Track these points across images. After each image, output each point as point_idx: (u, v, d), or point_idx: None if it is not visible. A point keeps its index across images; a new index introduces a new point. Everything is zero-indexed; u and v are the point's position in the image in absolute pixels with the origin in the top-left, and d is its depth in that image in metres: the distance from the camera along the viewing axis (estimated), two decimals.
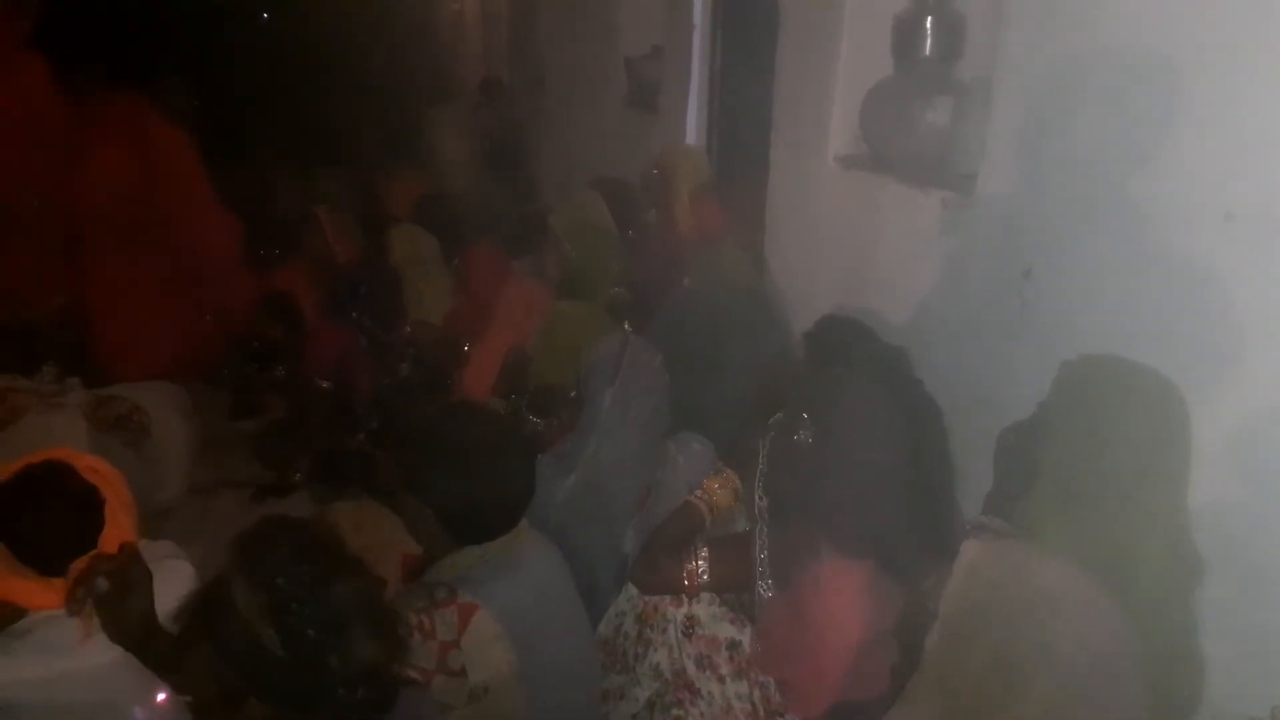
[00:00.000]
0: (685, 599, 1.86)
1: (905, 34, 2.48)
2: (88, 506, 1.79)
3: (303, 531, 1.45)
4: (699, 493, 1.96)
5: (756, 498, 1.81)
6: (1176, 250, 1.68)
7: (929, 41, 2.45)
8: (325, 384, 3.77)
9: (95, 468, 1.84)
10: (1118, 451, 1.53)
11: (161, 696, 1.69)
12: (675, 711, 1.83)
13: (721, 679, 1.80)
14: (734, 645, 1.81)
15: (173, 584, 1.93)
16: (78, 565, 1.74)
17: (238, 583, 1.33)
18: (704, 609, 1.84)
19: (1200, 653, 1.55)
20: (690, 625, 1.83)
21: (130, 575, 1.59)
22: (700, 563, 1.81)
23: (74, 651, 1.72)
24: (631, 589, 1.93)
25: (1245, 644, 1.56)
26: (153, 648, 1.57)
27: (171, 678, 1.56)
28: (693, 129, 4.12)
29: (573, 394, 2.57)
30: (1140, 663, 1.28)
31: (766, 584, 1.73)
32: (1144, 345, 1.67)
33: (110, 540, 1.79)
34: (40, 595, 1.74)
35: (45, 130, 4.08)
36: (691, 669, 1.82)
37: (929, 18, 2.44)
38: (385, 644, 1.42)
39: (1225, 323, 1.60)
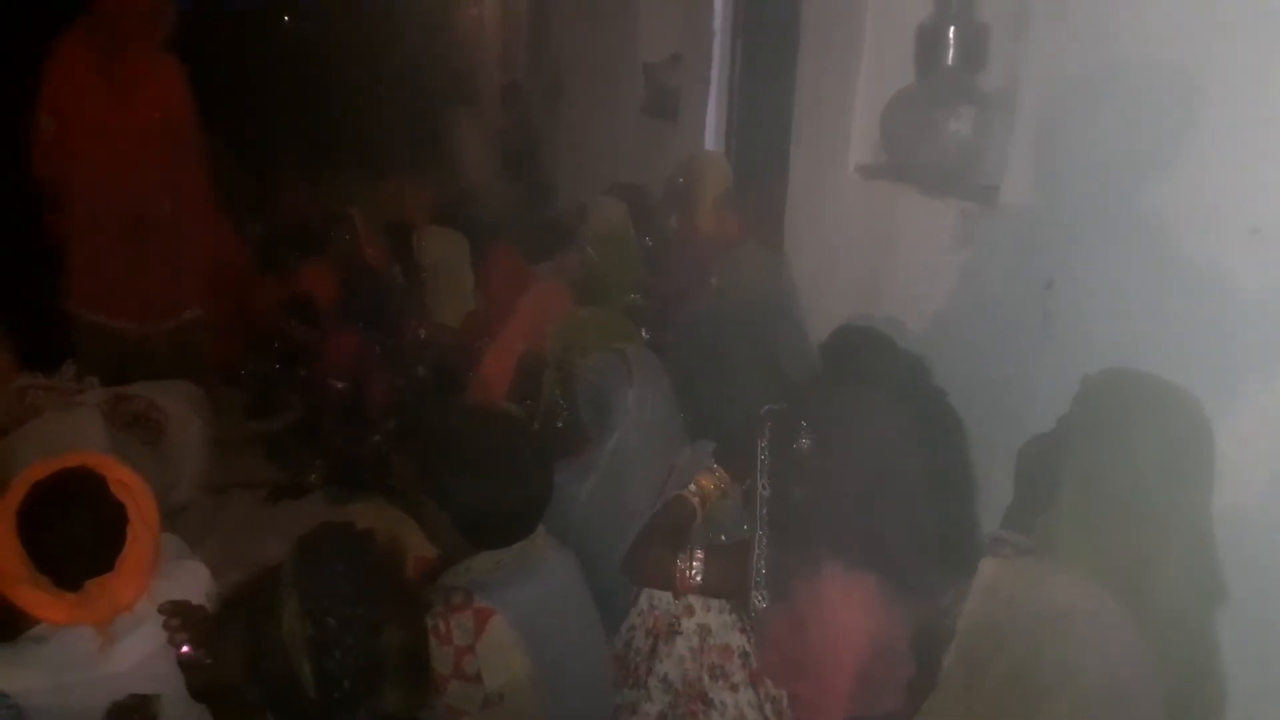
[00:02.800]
0: (695, 608, 1.85)
1: (928, 43, 2.47)
2: (112, 525, 1.77)
3: (365, 555, 1.35)
4: (691, 488, 1.96)
5: (760, 488, 1.79)
6: (1202, 264, 1.66)
7: (951, 51, 2.43)
8: (341, 385, 3.78)
9: (126, 483, 1.81)
10: (1140, 467, 1.51)
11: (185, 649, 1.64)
12: None
13: (734, 688, 1.79)
14: (746, 654, 1.80)
15: (188, 583, 1.93)
16: (92, 584, 1.73)
17: (290, 603, 1.25)
18: (715, 618, 1.82)
19: (1222, 671, 1.53)
20: (703, 635, 1.83)
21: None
22: (695, 565, 1.80)
23: (93, 659, 1.72)
24: (643, 604, 1.92)
25: (1267, 662, 1.54)
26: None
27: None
28: (711, 136, 4.12)
29: (561, 402, 2.58)
30: (1159, 683, 1.26)
31: (762, 594, 1.73)
32: (1168, 359, 1.65)
33: (128, 564, 1.77)
34: (50, 608, 1.72)
35: (181, 136, 4.13)
36: (704, 679, 1.81)
37: (952, 27, 2.42)
38: (413, 695, 1.33)
39: (1251, 338, 1.59)
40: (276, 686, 1.26)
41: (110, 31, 3.85)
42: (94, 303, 4.02)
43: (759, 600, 1.73)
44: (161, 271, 4.10)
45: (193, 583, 1.95)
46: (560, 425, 2.57)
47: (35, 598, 1.70)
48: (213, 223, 4.39)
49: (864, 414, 1.76)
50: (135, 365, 3.89)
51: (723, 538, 1.98)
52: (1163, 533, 1.49)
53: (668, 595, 1.86)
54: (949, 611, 1.31)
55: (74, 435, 2.76)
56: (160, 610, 1.60)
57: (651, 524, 1.93)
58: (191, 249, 4.20)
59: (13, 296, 3.91)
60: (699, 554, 1.82)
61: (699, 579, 1.80)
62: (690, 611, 1.85)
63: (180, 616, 1.57)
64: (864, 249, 2.74)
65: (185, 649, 1.58)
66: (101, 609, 1.75)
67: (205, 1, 4.08)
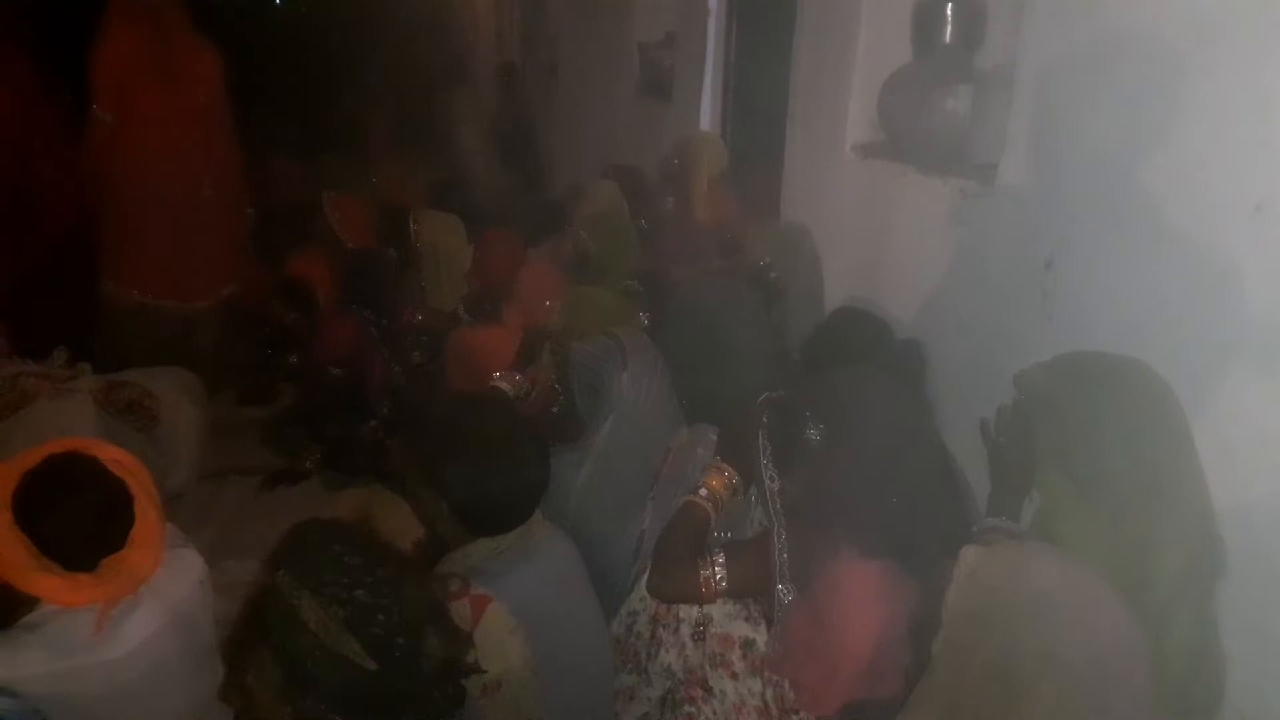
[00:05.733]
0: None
1: (925, 21, 2.45)
2: (116, 501, 1.76)
3: (352, 535, 1.38)
4: (703, 491, 1.90)
5: (767, 479, 1.77)
6: (1204, 242, 1.65)
7: (949, 28, 2.41)
8: (337, 371, 3.77)
9: (120, 460, 1.80)
10: (1105, 445, 1.51)
11: None
12: (687, 709, 1.80)
13: (735, 676, 1.78)
14: (748, 643, 1.79)
15: (183, 573, 1.93)
16: (108, 562, 1.73)
17: (306, 602, 1.26)
18: (717, 608, 1.81)
19: (1220, 650, 1.53)
20: (703, 624, 1.81)
21: None
22: (717, 569, 1.75)
23: (86, 645, 1.71)
24: (644, 588, 1.91)
25: (1269, 642, 1.53)
26: None
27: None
28: (707, 116, 4.09)
29: (556, 386, 2.57)
30: (1149, 662, 1.26)
31: (787, 588, 1.70)
32: (1169, 340, 1.65)
33: (140, 537, 1.76)
34: (68, 592, 1.70)
35: (218, 116, 4.21)
36: (705, 666, 1.80)
37: (950, 4, 2.40)
38: (452, 637, 1.38)
39: (1253, 317, 1.57)
40: (331, 681, 1.27)
41: (147, 15, 3.92)
42: (138, 283, 4.11)
43: (784, 594, 1.70)
44: (203, 251, 4.19)
45: (188, 571, 1.95)
46: (556, 410, 2.55)
47: (49, 583, 1.69)
48: (244, 200, 4.50)
49: (868, 397, 1.74)
50: (175, 344, 4.00)
51: (729, 534, 1.95)
52: (1150, 508, 1.49)
53: None
54: (937, 598, 1.30)
55: (66, 424, 2.74)
56: None
57: (667, 539, 1.87)
58: (228, 227, 4.31)
59: (4, 282, 3.92)
60: (719, 558, 1.77)
61: (724, 584, 1.76)
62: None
63: None
64: (861, 229, 2.72)
65: None
66: (123, 584, 1.76)
67: None
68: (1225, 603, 1.52)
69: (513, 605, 1.67)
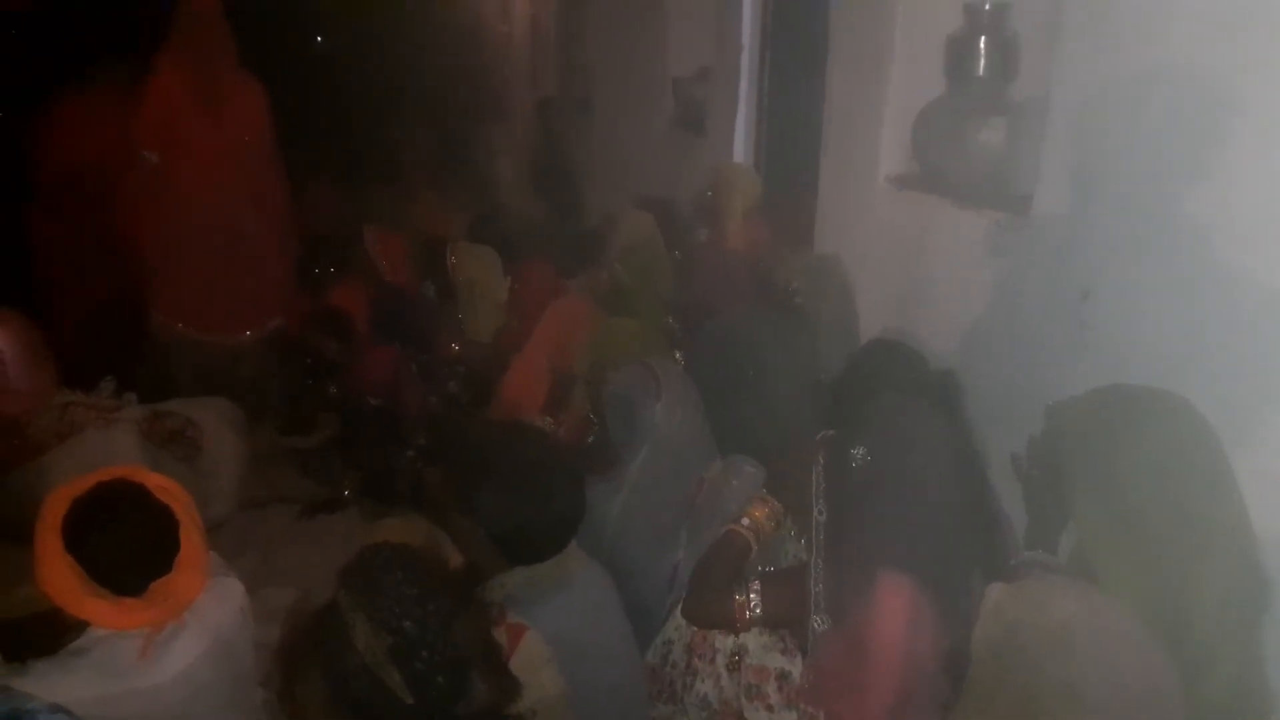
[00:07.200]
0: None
1: (958, 53, 2.46)
2: (163, 527, 1.80)
3: (417, 563, 1.37)
4: (745, 521, 1.91)
5: (815, 512, 1.77)
6: (1243, 271, 1.63)
7: (983, 60, 2.42)
8: (375, 401, 3.81)
9: (166, 487, 1.84)
10: (1141, 478, 1.49)
11: None
12: None
13: (771, 708, 1.78)
14: (784, 675, 1.78)
15: (225, 600, 1.95)
16: (156, 586, 1.76)
17: (358, 623, 1.27)
18: (754, 639, 1.81)
19: (1268, 688, 1.50)
20: (739, 655, 1.81)
21: None
22: (752, 596, 1.77)
23: (132, 670, 1.74)
24: (679, 618, 1.91)
25: None
26: None
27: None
28: (741, 149, 4.12)
29: (591, 416, 2.58)
30: (1179, 697, 1.24)
31: (822, 619, 1.69)
32: (1207, 371, 1.63)
33: (186, 560, 1.80)
34: (117, 616, 1.74)
35: (266, 150, 4.26)
36: (741, 698, 1.79)
37: (982, 37, 2.41)
38: (501, 683, 1.37)
39: None
40: (370, 706, 1.28)
41: (197, 56, 3.96)
42: (187, 317, 4.16)
43: (818, 624, 1.70)
44: (249, 284, 4.23)
45: (229, 599, 1.98)
46: (591, 440, 2.57)
47: (98, 607, 1.73)
48: (292, 234, 4.52)
49: (919, 432, 1.74)
50: (218, 374, 4.05)
51: (770, 568, 1.96)
52: (1189, 543, 1.46)
53: None
54: (967, 634, 1.30)
55: (112, 453, 2.80)
56: None
57: (705, 565, 1.89)
58: (274, 261, 4.34)
59: (55, 312, 4.01)
60: (755, 586, 1.79)
61: (759, 611, 1.78)
62: (729, 632, 1.84)
63: None
64: (895, 260, 2.73)
65: None
66: (169, 608, 1.79)
67: (238, 22, 4.16)
68: (1273, 640, 1.49)
69: (548, 634, 1.68)
